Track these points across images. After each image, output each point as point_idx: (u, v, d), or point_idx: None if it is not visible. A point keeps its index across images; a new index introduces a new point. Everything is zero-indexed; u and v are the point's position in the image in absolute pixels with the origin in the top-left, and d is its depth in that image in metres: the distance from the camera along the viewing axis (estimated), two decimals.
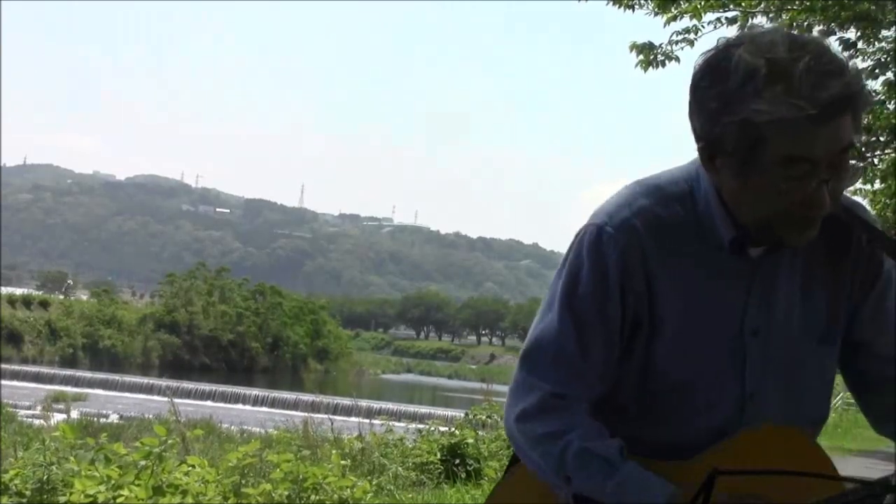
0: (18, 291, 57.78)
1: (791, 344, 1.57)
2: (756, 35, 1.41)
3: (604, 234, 1.54)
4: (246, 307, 57.35)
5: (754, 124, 1.39)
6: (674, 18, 7.77)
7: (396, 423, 11.64)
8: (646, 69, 8.08)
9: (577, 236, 1.57)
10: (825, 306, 1.59)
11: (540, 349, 1.58)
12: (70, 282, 60.94)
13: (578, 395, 1.55)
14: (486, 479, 8.64)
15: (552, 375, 1.55)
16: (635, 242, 1.53)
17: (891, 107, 9.25)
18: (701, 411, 1.55)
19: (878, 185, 13.18)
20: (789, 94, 1.37)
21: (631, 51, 8.09)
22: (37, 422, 19.85)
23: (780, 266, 1.57)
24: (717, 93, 1.42)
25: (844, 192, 1.54)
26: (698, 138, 1.49)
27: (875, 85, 9.27)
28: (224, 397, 34.72)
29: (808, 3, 7.54)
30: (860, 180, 12.88)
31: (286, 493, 6.32)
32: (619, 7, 8.04)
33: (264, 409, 31.38)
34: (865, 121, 9.47)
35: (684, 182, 1.57)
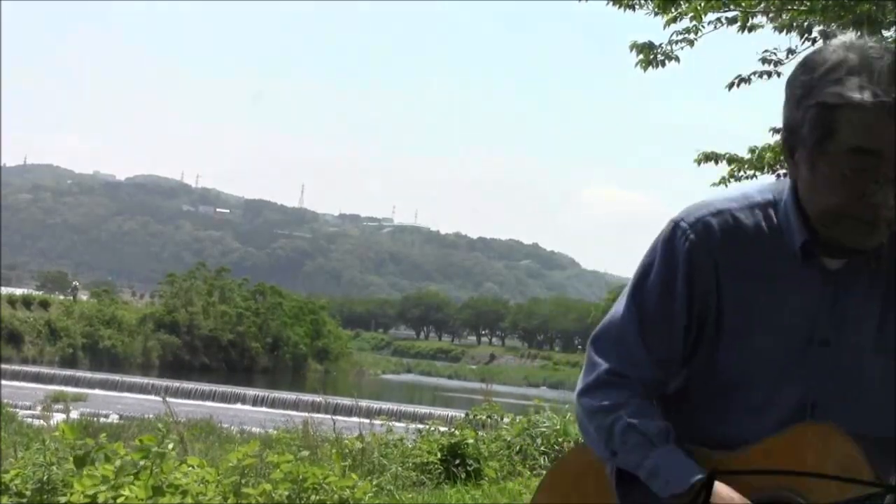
0: (18, 291, 57.71)
1: (864, 359, 1.58)
2: (851, 37, 1.51)
3: (678, 230, 1.61)
4: (246, 307, 57.30)
5: (829, 107, 1.47)
6: (674, 20, 7.76)
7: (396, 423, 11.63)
8: (645, 69, 8.06)
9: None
10: None
11: (606, 332, 1.66)
12: (76, 283, 60.58)
13: (636, 376, 1.62)
14: (486, 479, 8.64)
15: (613, 356, 1.63)
16: (708, 240, 1.59)
17: None
18: (759, 413, 1.59)
19: None
20: (867, 83, 1.45)
21: (631, 50, 8.07)
22: (37, 422, 19.84)
23: (858, 281, 1.58)
24: (804, 81, 1.51)
25: None
26: (783, 129, 1.56)
27: None
28: (224, 397, 34.68)
29: (808, 4, 7.53)
30: None
31: (286, 493, 6.31)
32: (619, 7, 8.03)
33: (264, 409, 31.35)
34: None
35: (770, 192, 1.63)
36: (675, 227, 1.61)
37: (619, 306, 1.65)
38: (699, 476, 1.50)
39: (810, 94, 1.49)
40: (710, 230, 1.59)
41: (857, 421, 1.52)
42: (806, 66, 1.53)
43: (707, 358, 1.61)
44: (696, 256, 1.58)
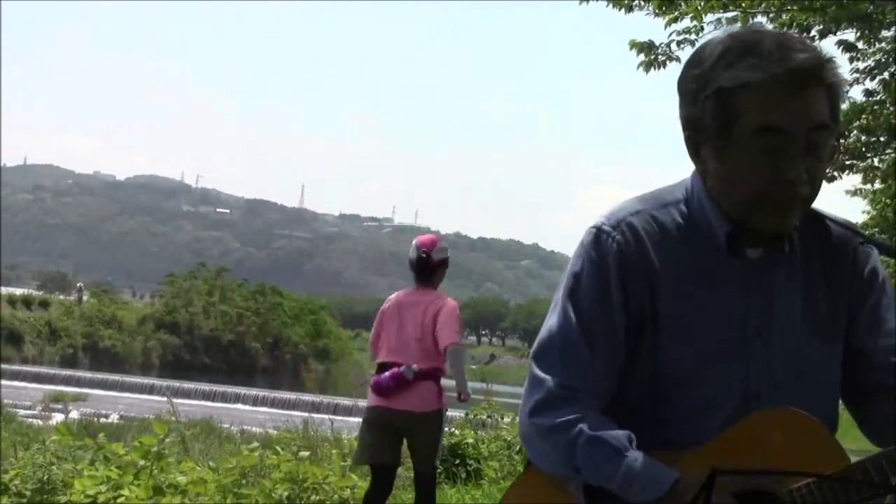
0: (18, 291, 57.66)
1: (795, 344, 1.58)
2: (729, 28, 1.53)
3: (602, 234, 1.59)
4: (246, 307, 57.28)
5: (727, 91, 1.47)
6: (674, 20, 7.75)
7: None
8: (647, 70, 8.04)
9: (580, 242, 1.62)
10: (826, 307, 1.60)
11: (547, 346, 1.60)
12: (80, 284, 60.45)
13: (586, 388, 1.57)
14: (485, 479, 8.63)
15: (559, 369, 1.57)
16: (633, 241, 1.57)
17: (890, 107, 9.25)
18: (706, 410, 1.56)
19: (878, 185, 13.19)
20: (758, 62, 1.46)
21: (631, 49, 8.05)
22: (37, 422, 19.83)
23: (778, 267, 1.59)
24: (696, 75, 1.52)
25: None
26: (684, 128, 1.56)
27: (874, 85, 9.27)
28: (224, 397, 34.62)
29: (807, 3, 7.54)
30: (860, 180, 12.93)
31: (286, 493, 6.31)
32: (620, 9, 8.02)
33: (264, 409, 31.26)
34: (866, 122, 9.46)
35: (679, 191, 1.63)
36: (598, 231, 1.59)
37: (553, 319, 1.60)
38: (675, 476, 1.46)
39: (706, 86, 1.49)
40: (635, 230, 1.57)
41: (802, 406, 1.51)
42: (693, 61, 1.53)
43: (647, 361, 1.57)
44: (625, 257, 1.56)
